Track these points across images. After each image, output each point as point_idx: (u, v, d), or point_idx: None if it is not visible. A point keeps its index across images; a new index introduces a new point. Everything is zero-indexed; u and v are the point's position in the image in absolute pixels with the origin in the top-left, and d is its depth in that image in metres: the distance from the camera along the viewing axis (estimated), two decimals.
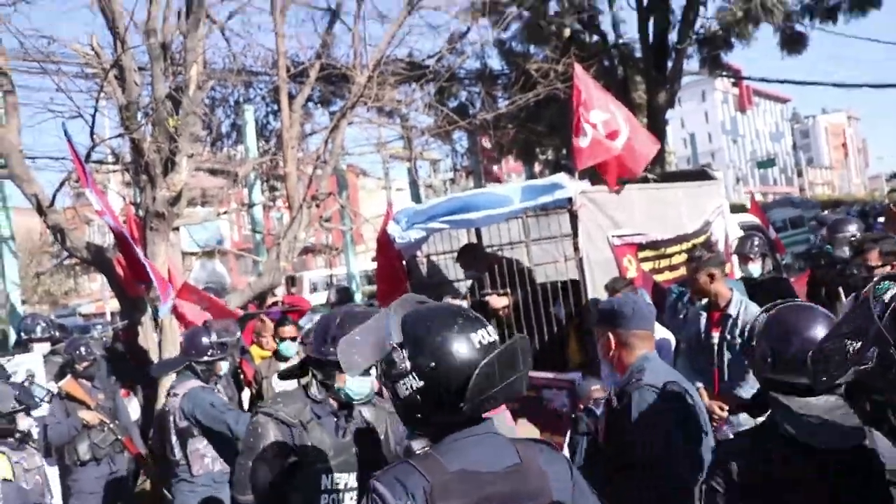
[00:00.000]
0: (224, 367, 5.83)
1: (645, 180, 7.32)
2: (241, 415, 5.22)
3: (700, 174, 8.49)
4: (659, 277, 6.80)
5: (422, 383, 1.89)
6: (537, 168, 19.04)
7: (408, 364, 1.91)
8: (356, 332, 2.07)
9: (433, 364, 1.89)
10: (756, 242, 6.82)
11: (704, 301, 5.46)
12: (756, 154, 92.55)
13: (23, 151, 7.99)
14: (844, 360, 1.42)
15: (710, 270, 5.31)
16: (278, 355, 6.96)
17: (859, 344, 1.39)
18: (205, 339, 5.62)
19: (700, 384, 5.20)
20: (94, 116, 7.84)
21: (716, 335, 5.26)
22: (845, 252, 6.58)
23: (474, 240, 7.64)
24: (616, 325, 3.60)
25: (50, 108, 9.12)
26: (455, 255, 7.37)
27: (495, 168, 18.89)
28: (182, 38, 8.15)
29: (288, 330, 6.94)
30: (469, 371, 1.87)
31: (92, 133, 8.06)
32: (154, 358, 7.58)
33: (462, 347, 1.91)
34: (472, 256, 6.91)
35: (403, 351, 1.92)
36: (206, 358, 5.53)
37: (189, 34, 7.86)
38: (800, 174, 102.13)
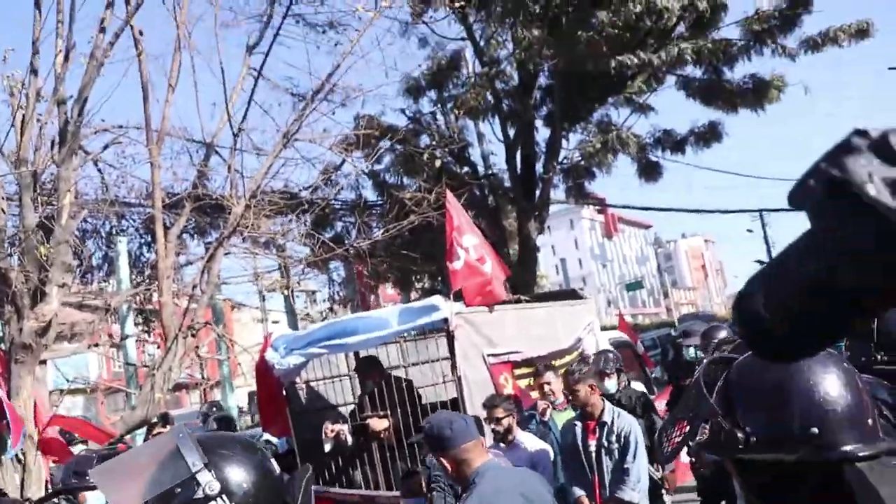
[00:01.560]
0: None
1: (518, 301, 7.63)
2: None
3: (570, 294, 8.90)
4: (534, 394, 7.01)
5: None
6: (414, 296, 19.31)
7: (217, 487, 1.74)
8: (120, 464, 1.96)
9: (247, 485, 1.78)
10: (611, 358, 7.15)
11: (577, 412, 5.70)
12: (624, 277, 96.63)
13: None
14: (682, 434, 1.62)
15: (589, 381, 5.58)
16: None
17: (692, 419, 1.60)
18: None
19: (581, 492, 5.37)
20: None
21: (593, 443, 5.47)
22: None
23: (353, 365, 7.69)
24: (443, 447, 3.66)
25: None
26: (333, 380, 7.41)
27: (372, 297, 19.03)
28: (55, 167, 8.09)
29: None
30: (280, 496, 1.83)
31: None
32: (16, 495, 7.13)
33: (275, 471, 1.87)
34: (371, 366, 6.93)
35: (210, 472, 1.75)
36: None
37: (62, 164, 7.82)
38: (666, 295, 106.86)
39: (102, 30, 7.78)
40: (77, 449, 7.80)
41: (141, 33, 9.51)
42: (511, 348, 6.85)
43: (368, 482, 6.56)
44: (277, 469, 1.90)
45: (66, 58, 7.79)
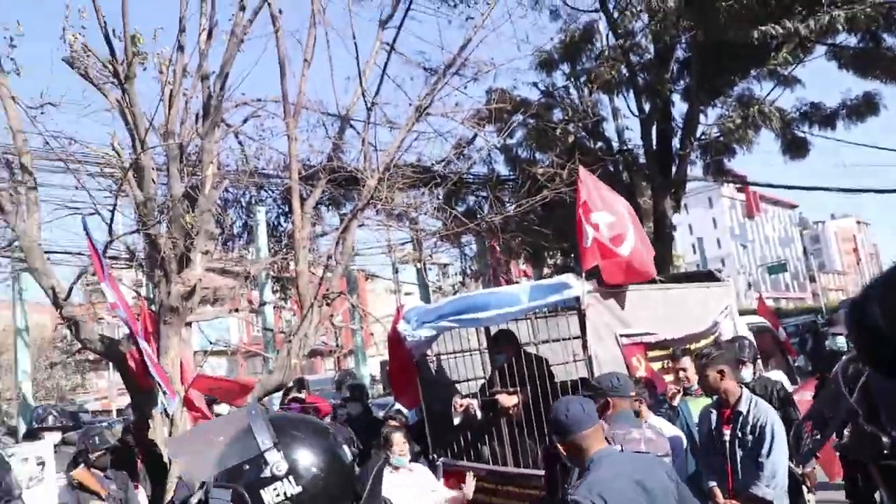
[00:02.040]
0: None
1: (653, 281, 7.39)
2: None
3: (708, 276, 8.57)
4: (668, 377, 6.80)
5: (298, 489, 1.76)
6: (546, 272, 19.17)
7: (284, 467, 1.76)
8: (194, 436, 1.94)
9: (315, 469, 1.80)
10: (746, 345, 6.80)
11: (714, 399, 5.47)
12: (766, 259, 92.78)
13: (41, 246, 8.15)
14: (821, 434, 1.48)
15: (719, 367, 5.34)
16: None
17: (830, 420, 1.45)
18: None
19: (713, 483, 5.17)
20: (112, 213, 8.05)
21: (727, 433, 5.25)
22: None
23: (484, 340, 7.67)
24: (559, 433, 3.72)
25: (68, 204, 9.40)
26: (464, 354, 7.42)
27: (504, 273, 19.00)
28: (199, 139, 8.43)
29: None
30: (349, 483, 1.83)
31: (110, 229, 8.25)
32: (164, 451, 7.54)
33: (345, 457, 1.88)
34: (505, 340, 6.90)
35: (279, 453, 1.77)
36: None
37: (206, 137, 8.14)
38: (812, 279, 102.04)
39: (243, 8, 8.02)
40: (221, 409, 8.14)
41: (280, 12, 9.75)
42: (644, 329, 6.66)
43: (496, 457, 6.55)
44: (349, 456, 1.90)
45: (209, 35, 8.08)
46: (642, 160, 17.02)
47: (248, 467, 1.76)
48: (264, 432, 1.78)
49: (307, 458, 1.80)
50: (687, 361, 6.37)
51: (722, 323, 7.75)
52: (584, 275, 6.17)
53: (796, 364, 10.20)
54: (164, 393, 7.48)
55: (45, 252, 8.50)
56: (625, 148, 17.25)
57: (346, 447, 1.92)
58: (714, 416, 5.38)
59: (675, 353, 6.58)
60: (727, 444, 5.22)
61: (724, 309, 7.90)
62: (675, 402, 6.32)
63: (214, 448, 1.83)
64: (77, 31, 8.07)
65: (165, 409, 7.70)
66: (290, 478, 1.76)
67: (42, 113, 8.40)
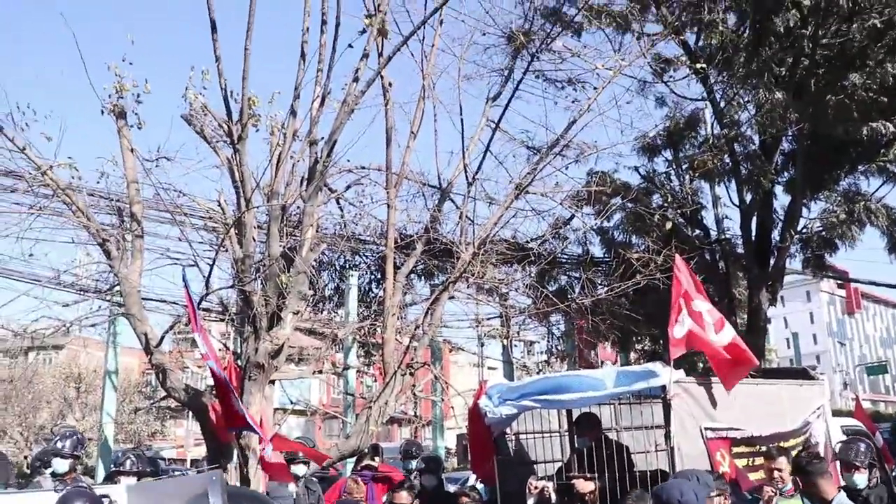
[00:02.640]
0: None
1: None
2: None
3: (801, 373, 8.30)
4: (753, 476, 6.56)
5: None
6: (633, 357, 18.85)
7: None
8: (156, 486, 2.10)
9: None
10: (863, 449, 6.23)
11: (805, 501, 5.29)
12: (865, 359, 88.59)
13: (140, 292, 8.47)
14: None
15: (824, 473, 5.18)
16: None
17: None
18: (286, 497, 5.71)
19: None
20: (211, 267, 8.34)
21: None
22: None
23: (564, 422, 7.58)
24: None
25: (169, 254, 9.80)
26: (543, 435, 7.34)
27: (590, 355, 18.75)
28: (301, 202, 8.71)
29: (404, 495, 6.91)
30: None
31: (207, 282, 8.55)
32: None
33: None
34: (589, 424, 6.81)
35: None
36: None
37: (309, 200, 8.41)
38: None
39: (356, 79, 8.33)
40: (299, 469, 8.22)
41: (391, 84, 10.11)
42: (731, 424, 6.48)
43: None
44: None
45: (322, 103, 8.41)
46: (740, 250, 16.70)
47: None
48: (218, 499, 1.90)
49: None
50: (783, 461, 6.12)
51: (814, 423, 7.48)
52: (672, 364, 6.06)
53: (894, 474, 9.63)
54: (246, 449, 7.60)
55: (142, 299, 8.83)
56: (723, 237, 16.97)
57: None
58: None
59: (770, 451, 6.33)
60: None
61: (817, 409, 7.63)
62: None
63: (172, 502, 1.95)
64: (198, 90, 8.52)
65: (240, 462, 7.82)
66: None
67: (157, 166, 8.84)
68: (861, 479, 6.09)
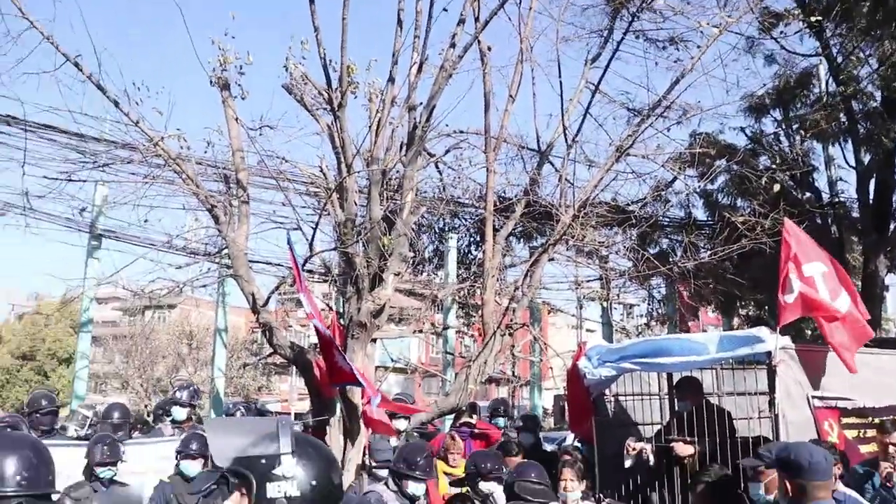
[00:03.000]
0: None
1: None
2: None
3: None
4: (864, 447, 6.37)
5: (297, 493, 2.11)
6: (736, 322, 18.37)
7: (292, 472, 2.12)
8: (231, 423, 2.29)
9: (314, 483, 2.15)
10: None
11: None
12: None
13: (247, 255, 8.77)
14: None
15: None
16: None
17: None
18: (422, 461, 5.86)
19: None
20: (314, 230, 8.55)
21: None
22: None
23: (665, 385, 7.51)
24: (791, 474, 3.84)
25: (273, 219, 10.10)
26: (643, 397, 7.29)
27: (692, 319, 18.37)
28: (401, 166, 8.81)
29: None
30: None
31: (311, 245, 8.77)
32: (338, 457, 7.89)
33: (339, 482, 2.29)
34: (690, 388, 6.74)
35: (294, 459, 2.14)
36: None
37: (408, 164, 8.50)
38: None
39: (453, 45, 8.34)
40: (400, 424, 8.42)
41: (489, 49, 10.06)
42: (841, 393, 6.28)
43: None
44: (345, 490, 2.25)
45: (420, 69, 8.45)
46: (855, 214, 15.96)
47: (264, 461, 2.13)
48: (287, 440, 2.15)
49: (311, 473, 2.17)
50: None
51: None
52: (778, 330, 5.90)
53: None
54: (351, 400, 7.81)
55: (249, 261, 9.14)
56: (836, 200, 16.24)
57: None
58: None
59: (884, 424, 6.10)
60: None
61: None
62: (892, 483, 5.80)
63: (243, 438, 2.21)
64: (298, 60, 8.69)
65: (342, 416, 8.05)
66: (294, 482, 2.13)
67: (260, 134, 9.09)
68: None
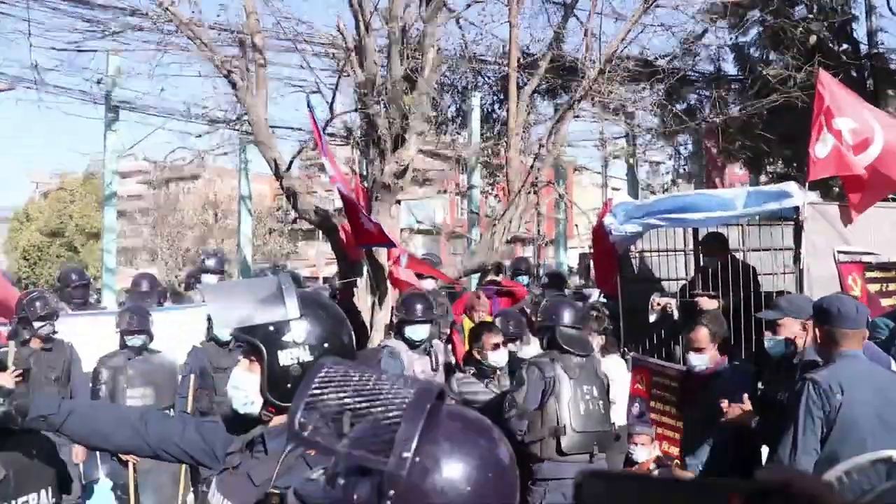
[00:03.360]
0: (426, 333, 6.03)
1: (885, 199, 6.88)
2: None
3: None
4: (885, 301, 6.40)
5: (310, 358, 2.00)
6: (763, 179, 18.15)
7: (304, 337, 2.02)
8: (230, 286, 2.19)
9: (327, 345, 2.05)
10: None
11: None
12: None
13: (266, 121, 8.70)
14: None
15: None
16: None
17: None
18: (418, 306, 5.98)
19: None
20: (334, 92, 8.44)
21: None
22: None
23: (690, 241, 7.52)
24: (822, 321, 3.88)
25: (293, 83, 9.93)
26: (668, 253, 7.32)
27: (718, 176, 18.18)
28: (421, 23, 8.57)
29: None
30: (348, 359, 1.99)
31: (331, 107, 8.68)
32: (367, 318, 8.06)
33: (350, 340, 2.16)
34: (717, 244, 6.73)
35: (304, 322, 2.03)
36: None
37: (428, 21, 8.25)
38: None
39: None
40: (427, 284, 8.56)
41: None
42: (866, 248, 6.26)
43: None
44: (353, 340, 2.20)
45: None
46: (894, 66, 15.42)
47: (272, 328, 2.01)
48: (293, 302, 2.03)
49: (322, 335, 2.06)
50: None
51: None
52: (807, 185, 5.83)
53: None
54: (371, 262, 7.91)
55: (270, 127, 9.07)
56: (875, 51, 15.64)
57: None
58: None
59: None
60: None
61: None
62: None
63: (246, 305, 2.08)
64: None
65: (369, 277, 8.18)
66: (306, 346, 2.02)
67: None
68: None
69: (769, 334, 4.27)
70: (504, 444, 1.23)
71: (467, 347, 6.21)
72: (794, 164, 16.02)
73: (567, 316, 5.19)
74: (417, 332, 5.85)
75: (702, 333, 4.71)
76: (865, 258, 6.22)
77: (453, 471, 1.14)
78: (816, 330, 3.93)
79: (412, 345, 5.90)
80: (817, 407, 3.63)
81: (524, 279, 9.32)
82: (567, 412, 4.85)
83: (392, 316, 7.22)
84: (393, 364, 5.44)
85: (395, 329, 6.05)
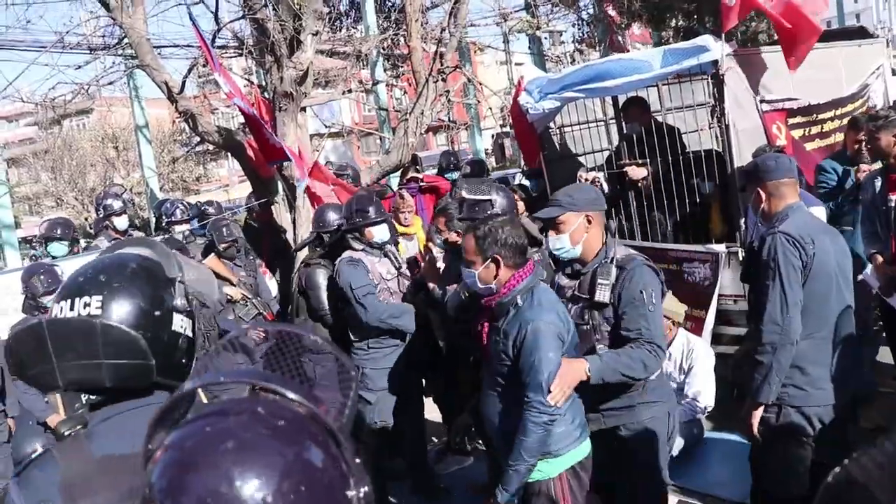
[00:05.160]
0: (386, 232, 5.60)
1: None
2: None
3: (857, 32, 7.81)
4: (809, 145, 6.37)
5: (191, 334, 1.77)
6: (665, 36, 18.00)
7: (183, 303, 1.74)
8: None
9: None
10: None
11: (878, 165, 5.12)
12: None
13: (150, 41, 8.07)
14: None
15: (894, 131, 4.93)
16: None
17: None
18: (332, 215, 5.66)
19: (874, 250, 4.96)
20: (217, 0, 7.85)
21: (893, 198, 4.93)
22: None
23: (609, 110, 7.32)
24: (762, 178, 3.81)
25: None
26: (589, 125, 7.11)
27: (619, 38, 17.92)
28: None
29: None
30: None
31: (216, 17, 8.08)
32: (289, 236, 7.76)
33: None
34: (639, 109, 6.50)
35: (185, 287, 1.77)
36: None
37: None
38: None
39: None
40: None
41: None
42: (786, 94, 6.17)
43: (623, 232, 6.40)
44: None
45: None
46: None
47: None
48: (174, 264, 1.78)
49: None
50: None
51: (872, 85, 7.14)
52: (723, 36, 5.64)
53: None
54: (290, 178, 7.54)
55: (155, 47, 8.43)
56: None
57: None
58: (878, 183, 5.03)
59: (857, 121, 5.77)
60: (892, 211, 4.92)
61: (876, 70, 7.25)
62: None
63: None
64: None
65: (285, 195, 7.82)
66: (185, 315, 1.76)
67: None
68: None
69: (553, 234, 3.69)
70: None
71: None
72: (695, 17, 15.88)
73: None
74: (380, 232, 5.40)
75: (469, 244, 3.50)
76: (787, 104, 6.12)
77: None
78: (759, 192, 3.82)
79: (379, 247, 5.45)
80: (796, 257, 3.60)
81: (454, 175, 9.03)
82: None
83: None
84: (355, 273, 5.07)
85: (345, 236, 5.49)
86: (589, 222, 3.62)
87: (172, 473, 0.95)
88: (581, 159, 7.35)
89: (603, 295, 3.49)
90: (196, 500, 0.91)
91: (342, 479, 0.99)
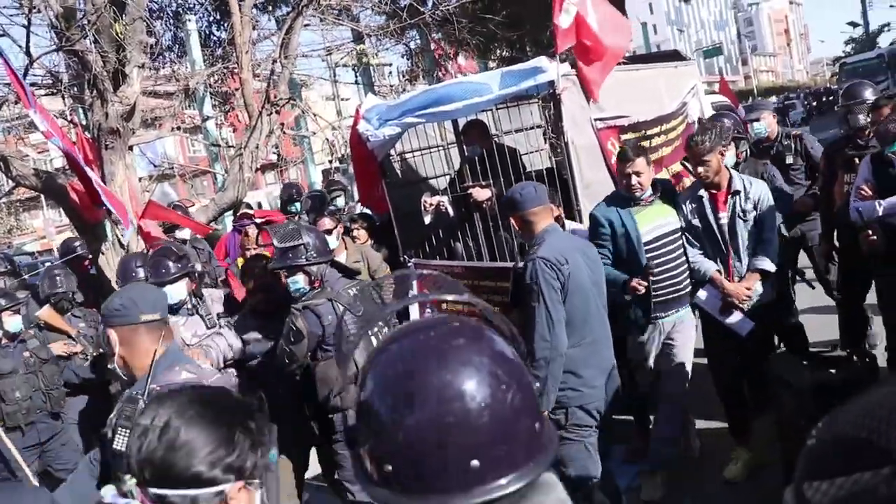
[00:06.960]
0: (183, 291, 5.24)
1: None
2: None
3: (673, 55, 8.29)
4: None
5: None
6: (492, 66, 18.49)
7: None
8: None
9: None
10: (728, 126, 6.08)
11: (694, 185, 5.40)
12: (702, 43, 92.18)
13: None
14: None
15: (720, 149, 5.18)
16: None
17: None
18: (168, 262, 5.14)
19: (714, 268, 5.14)
20: (28, 30, 7.35)
21: (724, 215, 5.15)
22: (860, 121, 6.41)
23: (448, 135, 7.37)
24: (514, 209, 4.41)
25: None
26: (431, 151, 7.13)
27: (449, 67, 18.26)
28: None
29: (326, 222, 6.77)
30: None
31: (28, 51, 7.56)
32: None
33: None
34: (479, 132, 6.55)
35: None
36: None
37: None
38: (744, 63, 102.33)
39: None
40: (183, 234, 7.89)
41: None
42: (617, 112, 6.40)
43: (471, 254, 6.41)
44: None
45: None
46: None
47: None
48: None
49: None
50: (642, 163, 5.25)
51: (689, 103, 7.57)
52: (557, 57, 5.78)
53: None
54: (118, 223, 7.12)
55: None
56: None
57: None
58: (707, 200, 5.22)
59: (624, 153, 5.38)
60: (726, 227, 5.15)
61: (691, 89, 7.70)
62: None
63: None
64: None
65: (119, 240, 7.36)
66: None
67: None
68: (729, 156, 5.89)
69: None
70: None
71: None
72: (518, 47, 16.45)
73: None
74: (172, 293, 4.94)
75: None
76: (619, 121, 6.36)
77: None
78: (512, 220, 4.46)
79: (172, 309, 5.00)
80: (555, 279, 4.11)
81: (298, 206, 8.85)
82: None
83: None
84: None
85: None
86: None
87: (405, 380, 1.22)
88: (423, 185, 7.34)
89: None
90: (436, 398, 1.17)
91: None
